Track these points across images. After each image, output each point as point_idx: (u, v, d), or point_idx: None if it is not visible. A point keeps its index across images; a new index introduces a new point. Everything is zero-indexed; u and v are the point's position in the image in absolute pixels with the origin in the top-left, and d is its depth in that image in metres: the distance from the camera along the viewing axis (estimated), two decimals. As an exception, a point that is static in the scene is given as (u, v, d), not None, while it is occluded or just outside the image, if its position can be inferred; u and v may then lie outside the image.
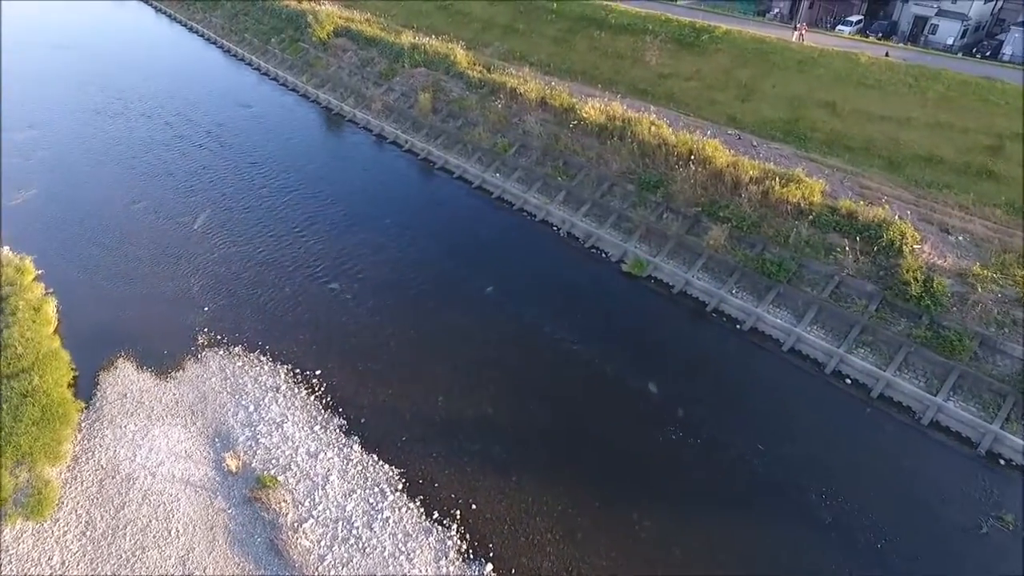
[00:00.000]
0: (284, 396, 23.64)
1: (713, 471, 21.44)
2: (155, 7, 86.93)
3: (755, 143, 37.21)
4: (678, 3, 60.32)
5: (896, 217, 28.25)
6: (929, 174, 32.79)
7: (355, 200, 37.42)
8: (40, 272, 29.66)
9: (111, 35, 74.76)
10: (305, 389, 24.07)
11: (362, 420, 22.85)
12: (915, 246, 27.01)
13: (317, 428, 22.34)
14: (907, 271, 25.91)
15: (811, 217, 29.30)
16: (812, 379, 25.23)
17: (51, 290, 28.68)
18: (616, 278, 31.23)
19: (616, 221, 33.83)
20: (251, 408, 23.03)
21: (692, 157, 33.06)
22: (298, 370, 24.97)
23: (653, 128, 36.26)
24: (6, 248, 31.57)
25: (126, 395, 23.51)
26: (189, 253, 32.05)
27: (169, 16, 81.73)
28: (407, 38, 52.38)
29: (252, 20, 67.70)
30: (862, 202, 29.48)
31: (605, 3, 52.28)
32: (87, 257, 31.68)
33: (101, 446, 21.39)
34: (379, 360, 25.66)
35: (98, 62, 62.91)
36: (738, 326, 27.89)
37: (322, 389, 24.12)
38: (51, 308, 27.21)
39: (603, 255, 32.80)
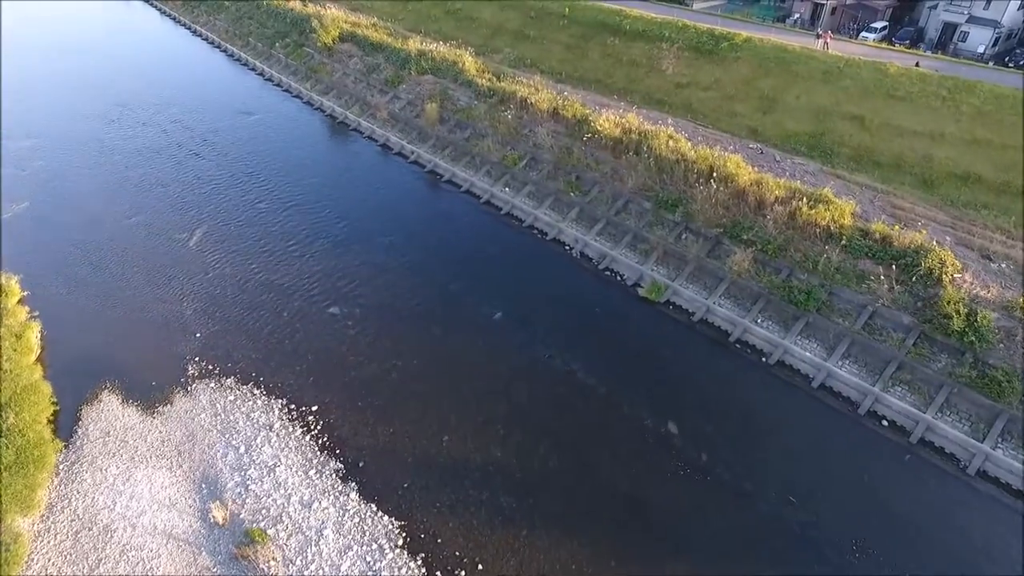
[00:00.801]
0: (278, 435, 22.02)
1: (741, 527, 19.65)
2: (160, 9, 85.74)
3: (778, 158, 35.36)
4: (693, 8, 58.47)
5: (934, 242, 26.40)
6: (966, 194, 30.85)
7: (358, 216, 35.80)
8: (25, 294, 28.23)
9: (114, 38, 73.44)
10: (300, 427, 22.45)
11: (360, 464, 21.20)
12: (955, 275, 25.14)
13: (312, 473, 20.70)
14: (948, 303, 24.03)
15: (842, 241, 27.43)
16: (845, 419, 23.38)
17: (36, 313, 27.28)
18: (632, 303, 29.46)
19: (632, 241, 32.06)
20: (242, 449, 21.43)
21: (713, 174, 31.23)
22: (293, 405, 23.35)
23: (671, 142, 34.48)
24: (-8, 267, 30.22)
25: (109, 433, 21.96)
26: (183, 273, 30.52)
27: (173, 19, 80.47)
28: (414, 44, 50.77)
29: (256, 24, 66.29)
30: (896, 226, 27.60)
31: (619, 9, 50.42)
32: (76, 277, 30.22)
33: (79, 492, 19.85)
34: (380, 394, 24.01)
35: (100, 67, 61.62)
36: (763, 358, 26.07)
37: (319, 427, 22.49)
38: (34, 335, 25.75)
39: (618, 278, 31.04)
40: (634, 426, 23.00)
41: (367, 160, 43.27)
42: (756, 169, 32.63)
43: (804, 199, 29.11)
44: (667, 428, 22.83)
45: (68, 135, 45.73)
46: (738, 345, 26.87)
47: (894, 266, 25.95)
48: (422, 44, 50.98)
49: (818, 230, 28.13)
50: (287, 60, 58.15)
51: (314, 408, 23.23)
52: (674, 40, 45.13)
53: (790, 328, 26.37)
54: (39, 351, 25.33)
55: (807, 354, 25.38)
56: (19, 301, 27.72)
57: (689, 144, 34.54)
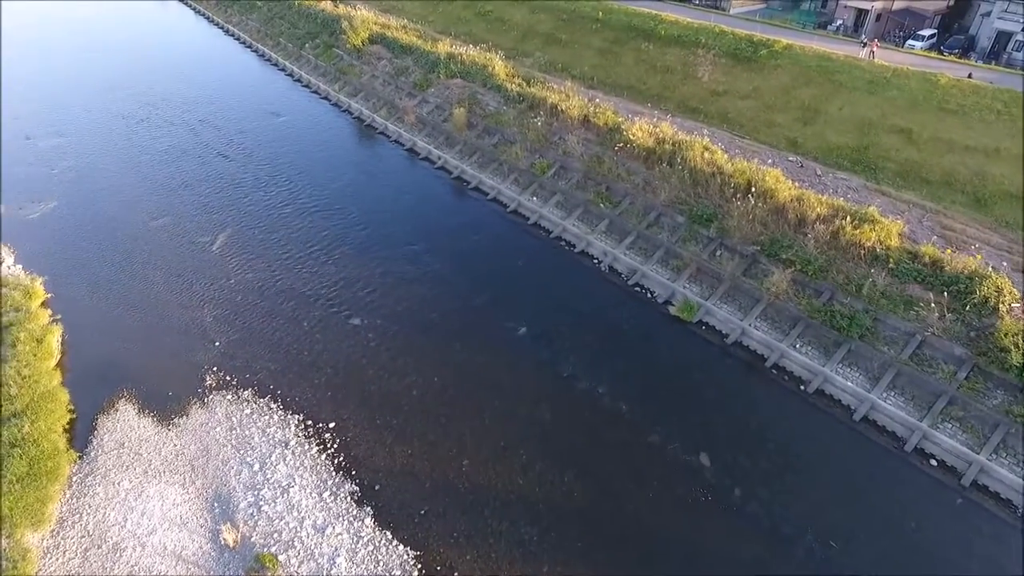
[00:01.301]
0: (293, 453, 21.36)
1: (776, 572, 18.39)
2: (194, 8, 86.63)
3: (819, 172, 33.81)
4: (730, 13, 56.86)
5: (989, 268, 24.77)
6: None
7: (383, 222, 35.14)
8: (49, 296, 28.13)
9: (148, 37, 74.30)
10: (316, 445, 21.77)
11: (377, 487, 20.42)
12: (1014, 304, 23.49)
13: (327, 495, 19.98)
14: (1005, 335, 22.43)
15: (889, 264, 25.92)
16: (890, 457, 21.94)
17: (58, 316, 27.11)
18: (663, 322, 28.28)
19: (663, 257, 30.85)
20: (256, 467, 20.80)
21: (752, 189, 29.88)
22: (310, 421, 22.69)
23: (707, 154, 33.17)
24: (19, 267, 30.26)
25: (124, 444, 21.53)
26: (205, 278, 30.15)
27: (207, 18, 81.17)
28: (444, 47, 50.07)
29: (287, 24, 66.31)
30: (948, 249, 26.00)
31: (655, 13, 49.08)
32: (100, 279, 30.04)
33: (90, 507, 19.39)
34: (399, 413, 23.23)
35: (133, 66, 62.17)
36: (802, 386, 24.70)
37: (335, 446, 21.78)
38: (55, 339, 25.51)
39: (648, 295, 29.87)
40: (663, 455, 21.87)
41: (393, 165, 42.66)
42: (796, 184, 31.20)
43: (848, 217, 27.63)
44: (698, 459, 21.64)
45: (98, 134, 45.98)
46: (774, 371, 25.53)
47: (945, 293, 24.38)
48: (452, 47, 50.27)
49: (863, 251, 26.65)
50: (316, 61, 57.94)
51: (331, 425, 22.54)
52: (711, 46, 43.70)
53: (831, 355, 24.95)
54: (59, 356, 25.06)
55: (849, 384, 23.96)
56: (43, 304, 27.63)
57: (725, 156, 33.23)
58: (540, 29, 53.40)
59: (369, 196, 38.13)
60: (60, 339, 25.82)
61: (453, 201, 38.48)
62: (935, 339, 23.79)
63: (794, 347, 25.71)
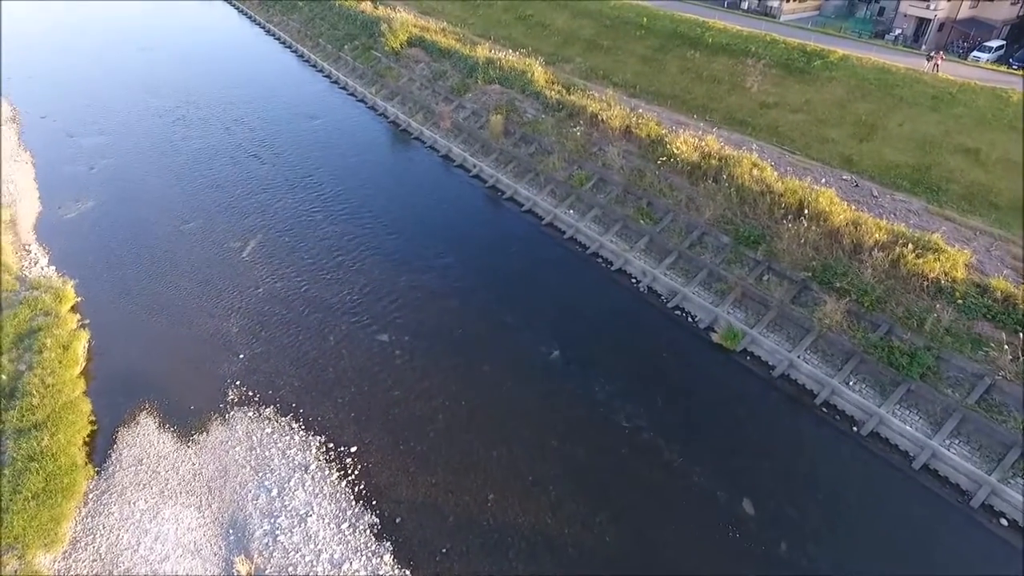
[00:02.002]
0: (313, 478, 20.50)
1: (828, 640, 16.84)
2: (238, 8, 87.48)
3: (876, 192, 31.82)
4: (780, 20, 54.63)
5: (1069, 307, 22.63)
6: (1105, 248, 26.65)
7: (415, 233, 34.25)
8: (79, 300, 27.93)
9: (192, 36, 75.13)
10: (337, 470, 20.88)
11: (398, 519, 19.43)
12: (1097, 350, 21.36)
13: (345, 527, 19.06)
14: (1088, 384, 20.36)
15: (955, 298, 23.93)
16: (955, 512, 20.09)
17: (86, 321, 26.85)
18: (704, 350, 26.73)
19: (706, 279, 29.27)
20: (274, 492, 20.01)
21: (804, 210, 28.12)
22: (332, 444, 21.83)
23: (755, 170, 31.44)
24: (52, 269, 30.21)
25: (142, 461, 20.97)
26: (233, 286, 29.65)
27: (250, 18, 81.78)
28: (483, 51, 49.07)
29: (327, 25, 66.19)
30: (1023, 286, 23.89)
31: (702, 20, 47.25)
32: (130, 283, 29.78)
33: (104, 527, 18.82)
34: (424, 439, 22.21)
35: (175, 65, 62.76)
36: (855, 427, 22.94)
37: (356, 472, 20.86)
38: (81, 345, 25.22)
39: (689, 319, 28.33)
40: (704, 499, 20.40)
41: (427, 171, 41.82)
42: (852, 206, 29.30)
43: (909, 245, 25.72)
44: (742, 506, 20.11)
45: (137, 132, 46.21)
46: (824, 409, 23.79)
47: (1020, 333, 22.32)
48: (491, 51, 49.27)
49: (925, 283, 24.68)
50: (355, 63, 57.55)
51: (353, 449, 21.64)
52: (761, 55, 41.81)
53: (888, 395, 23.10)
54: (84, 363, 24.73)
55: (908, 428, 22.11)
56: (72, 307, 27.43)
57: (775, 173, 31.45)
58: (582, 34, 52.01)
59: (401, 204, 37.29)
60: (86, 345, 25.54)
61: (487, 212, 37.42)
62: (1007, 383, 21.77)
63: (847, 384, 23.92)
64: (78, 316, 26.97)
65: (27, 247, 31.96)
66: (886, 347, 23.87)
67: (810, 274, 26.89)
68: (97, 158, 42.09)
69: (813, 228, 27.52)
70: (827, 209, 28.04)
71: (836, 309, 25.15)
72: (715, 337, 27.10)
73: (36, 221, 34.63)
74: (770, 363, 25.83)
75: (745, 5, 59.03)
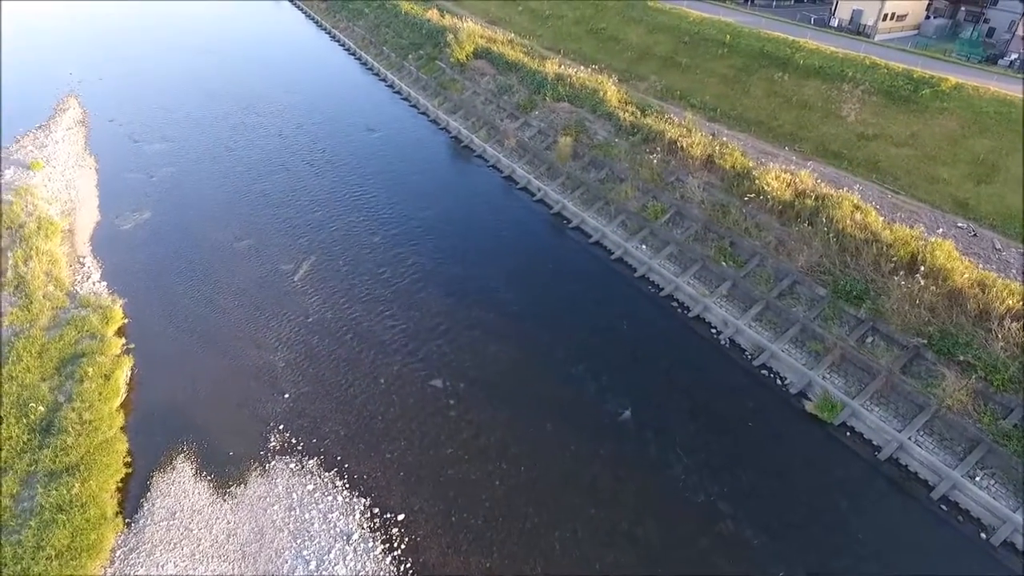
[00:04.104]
0: (355, 551, 18.41)
1: None
2: (304, 11, 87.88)
3: (998, 244, 27.94)
4: (875, 41, 50.31)
5: None
6: None
7: (474, 262, 32.10)
8: (126, 322, 26.81)
9: (257, 39, 75.54)
10: (382, 543, 18.74)
11: (447, 612, 17.14)
12: None
13: (388, 616, 16.88)
14: None
15: (1112, 386, 20.14)
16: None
17: (131, 346, 25.65)
18: (796, 419, 23.57)
19: (798, 336, 26.04)
20: (312, 564, 18.02)
21: (919, 265, 24.62)
22: (377, 509, 19.72)
23: (857, 214, 28.04)
24: (103, 284, 29.31)
25: (175, 515, 19.32)
26: (282, 314, 28.06)
27: (316, 22, 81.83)
28: (552, 66, 46.74)
29: (392, 33, 65.10)
30: None
31: (791, 40, 43.63)
32: (177, 305, 28.56)
33: (129, 594, 17.16)
34: (479, 509, 19.87)
35: (240, 68, 62.77)
36: (983, 534, 19.45)
37: (403, 546, 18.68)
38: (123, 374, 23.94)
39: (778, 381, 25.19)
40: (801, 614, 17.38)
41: (489, 193, 39.68)
42: (970, 259, 25.66)
43: (1051, 316, 21.99)
44: (849, 628, 17.01)
45: (197, 139, 45.73)
46: (944, 506, 20.35)
47: None
48: (560, 66, 46.89)
49: (1072, 363, 20.95)
50: (418, 73, 56.08)
51: (400, 517, 19.47)
52: (859, 81, 38.05)
53: (1025, 497, 19.54)
54: (124, 394, 23.42)
55: (1052, 541, 18.54)
56: (119, 330, 26.31)
57: (881, 219, 27.96)
58: (657, 51, 49.02)
59: (461, 229, 35.22)
60: (128, 374, 24.24)
61: (552, 241, 34.94)
62: None
63: (971, 478, 20.42)
64: (123, 340, 25.81)
65: (81, 259, 31.24)
66: (1022, 438, 20.26)
67: (925, 341, 23.38)
68: (158, 166, 41.59)
69: (930, 287, 24.00)
70: (946, 265, 24.49)
71: (959, 386, 21.67)
72: (809, 406, 23.91)
73: (93, 231, 34.01)
74: (875, 442, 22.48)
75: (835, 23, 54.87)
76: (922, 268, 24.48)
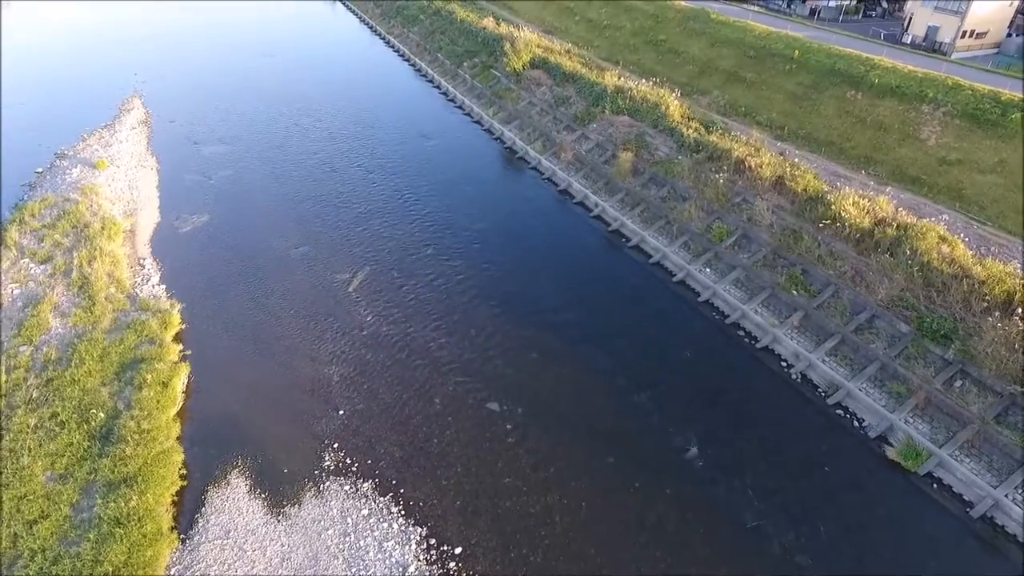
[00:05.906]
0: (411, 585, 17.70)
1: None
2: (357, 15, 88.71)
3: (1101, 285, 25.75)
4: (952, 59, 47.86)
5: None
6: None
7: (531, 280, 31.29)
8: (183, 327, 26.79)
9: (312, 43, 76.48)
10: (439, 577, 17.98)
11: (507, 659, 16.25)
12: None
13: (446, 659, 16.07)
14: None
15: None
16: None
17: (188, 352, 25.56)
18: (876, 466, 22.01)
19: (878, 375, 24.44)
20: (367, 597, 17.35)
21: (1017, 306, 22.82)
22: (434, 540, 18.99)
23: (944, 246, 26.30)
24: (162, 288, 29.43)
25: (229, 533, 18.93)
26: (337, 326, 27.70)
27: (370, 27, 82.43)
28: (611, 78, 45.73)
29: (447, 40, 64.93)
30: None
31: (866, 57, 41.69)
32: (233, 312, 28.49)
33: (183, 617, 16.75)
34: (538, 546, 18.96)
35: (295, 72, 63.35)
36: (1093, 609, 17.67)
37: (460, 583, 17.89)
38: (180, 382, 23.83)
39: (855, 422, 23.64)
40: None
41: (544, 207, 38.87)
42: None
43: None
44: None
45: (254, 142, 46.17)
46: (1047, 572, 18.61)
47: None
48: (619, 78, 45.86)
49: None
50: (473, 81, 55.69)
51: (457, 551, 18.69)
52: (939, 102, 36.01)
53: None
54: (181, 402, 23.26)
55: None
56: (176, 336, 26.29)
57: (970, 253, 26.15)
58: (721, 65, 47.55)
59: (515, 244, 34.47)
60: (185, 382, 24.12)
61: (609, 260, 33.90)
62: None
63: (1079, 545, 18.63)
64: (180, 346, 25.72)
65: (142, 261, 31.50)
66: None
67: (1023, 389, 21.59)
68: (216, 168, 42.02)
69: (1028, 329, 22.21)
70: (1047, 307, 22.63)
71: (1063, 442, 19.87)
72: (890, 452, 22.32)
73: (153, 233, 34.39)
74: (967, 497, 20.78)
75: (907, 39, 52.49)
76: (1020, 310, 22.68)
